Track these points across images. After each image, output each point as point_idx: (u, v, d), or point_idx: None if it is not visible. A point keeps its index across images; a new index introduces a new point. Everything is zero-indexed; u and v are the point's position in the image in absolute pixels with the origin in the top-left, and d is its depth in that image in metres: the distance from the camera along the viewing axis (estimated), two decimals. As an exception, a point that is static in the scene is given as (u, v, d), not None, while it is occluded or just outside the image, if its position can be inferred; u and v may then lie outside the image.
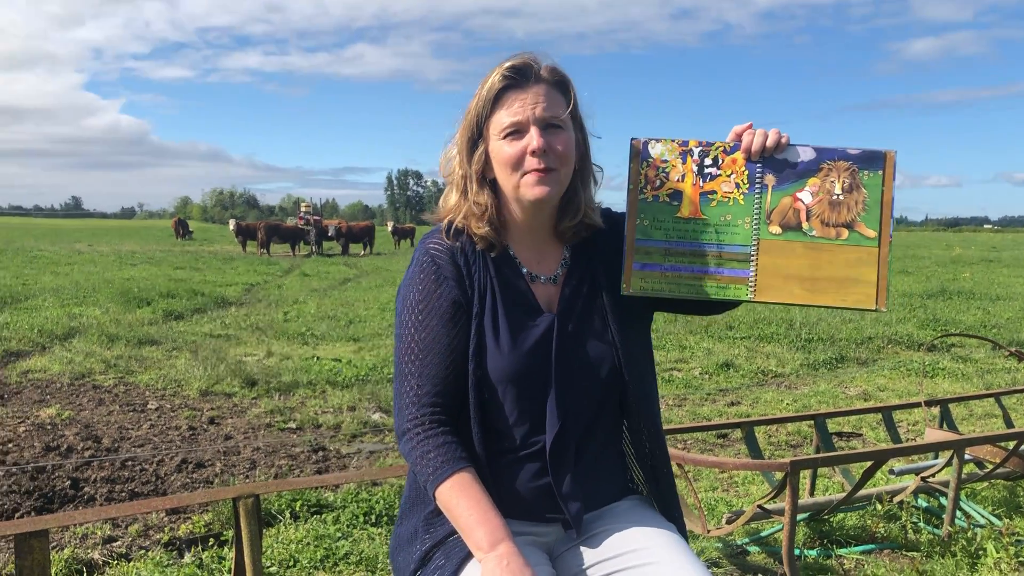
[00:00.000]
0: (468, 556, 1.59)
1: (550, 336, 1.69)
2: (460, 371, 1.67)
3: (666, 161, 1.72)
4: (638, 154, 1.73)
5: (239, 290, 16.71)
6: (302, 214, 37.67)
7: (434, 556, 1.66)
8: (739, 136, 1.71)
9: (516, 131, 1.66)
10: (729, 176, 1.71)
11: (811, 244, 1.69)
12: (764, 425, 5.88)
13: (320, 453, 5.40)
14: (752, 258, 1.70)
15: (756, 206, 1.70)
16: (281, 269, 24.16)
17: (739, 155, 1.70)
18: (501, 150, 1.67)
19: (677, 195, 1.72)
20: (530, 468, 1.69)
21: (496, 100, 1.67)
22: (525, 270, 1.76)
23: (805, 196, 1.69)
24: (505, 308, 1.70)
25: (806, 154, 1.69)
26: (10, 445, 5.35)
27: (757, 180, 1.70)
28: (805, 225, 1.69)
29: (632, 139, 1.74)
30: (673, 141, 1.72)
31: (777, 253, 1.70)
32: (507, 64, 1.67)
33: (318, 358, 8.78)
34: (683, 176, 1.72)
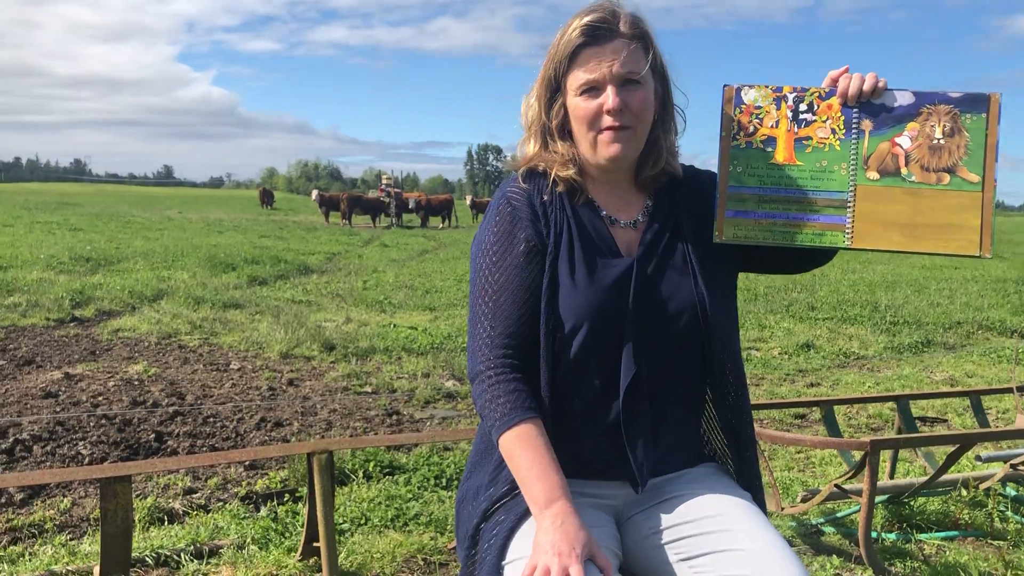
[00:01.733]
0: (526, 514, 1.57)
1: (628, 278, 1.64)
2: (534, 314, 1.64)
3: (760, 107, 1.68)
4: (731, 100, 1.69)
5: (321, 258, 17.03)
6: (383, 186, 38.14)
7: (496, 511, 1.65)
8: (835, 81, 1.66)
9: (593, 88, 1.63)
10: (824, 122, 1.66)
11: (910, 190, 1.63)
12: (844, 405, 5.76)
13: (394, 417, 5.48)
14: (849, 204, 1.66)
15: (853, 152, 1.65)
16: (361, 240, 24.52)
17: (835, 100, 1.65)
18: (577, 106, 1.65)
19: (771, 141, 1.68)
20: (601, 419, 1.65)
21: (573, 56, 1.64)
22: (604, 212, 1.73)
23: (904, 141, 1.63)
24: (583, 249, 1.66)
25: (904, 98, 1.63)
26: (100, 398, 5.57)
27: (854, 125, 1.65)
28: (904, 171, 1.63)
29: (724, 85, 1.70)
30: (767, 87, 1.68)
31: (875, 199, 1.64)
32: (586, 19, 1.63)
33: (395, 325, 8.90)
34: (777, 122, 1.68)
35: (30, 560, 3.15)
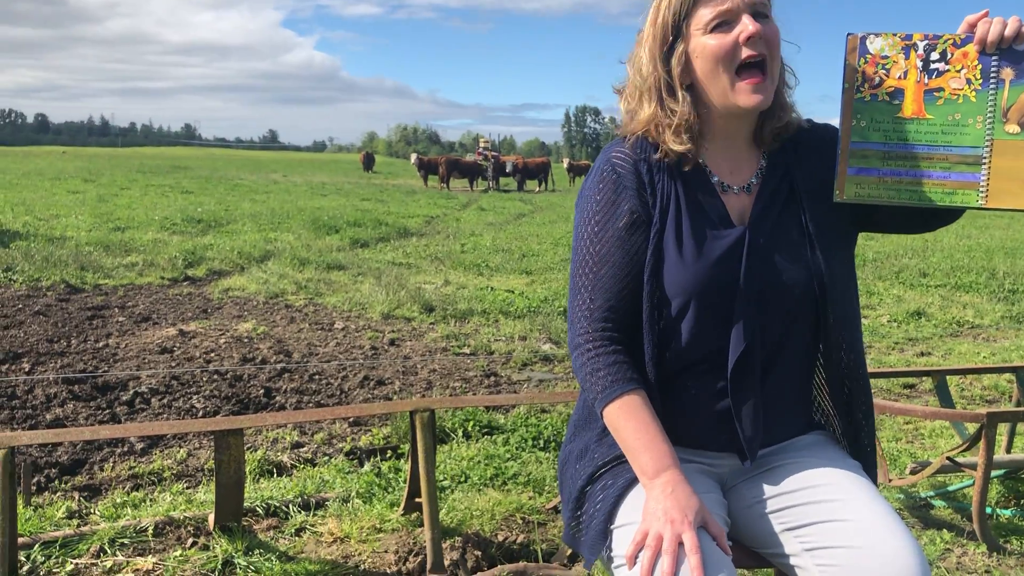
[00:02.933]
0: (635, 480, 1.55)
1: (740, 249, 1.56)
2: (637, 286, 1.59)
3: (886, 57, 1.55)
4: (855, 50, 1.57)
5: (420, 222, 17.25)
6: (480, 150, 38.26)
7: (603, 475, 1.62)
8: (972, 27, 1.51)
9: (724, 22, 1.53)
10: (959, 71, 1.52)
11: None
12: (957, 375, 5.53)
13: (492, 378, 5.54)
14: (984, 160, 1.52)
15: (990, 103, 1.51)
16: (459, 203, 24.71)
17: (971, 47, 1.51)
18: (707, 45, 1.54)
19: (898, 94, 1.56)
20: (708, 390, 1.60)
21: None
22: (716, 179, 1.64)
23: None
24: (691, 219, 1.58)
25: None
26: (212, 354, 5.80)
27: (992, 75, 1.51)
28: None
29: (848, 34, 1.58)
30: (895, 35, 1.55)
31: (1015, 155, 1.51)
32: None
33: (492, 288, 8.97)
34: (905, 73, 1.55)
35: (151, 506, 3.32)
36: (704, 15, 1.54)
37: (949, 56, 1.53)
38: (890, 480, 3.38)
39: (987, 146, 1.52)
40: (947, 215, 1.65)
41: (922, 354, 6.57)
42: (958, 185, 1.55)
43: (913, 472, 3.33)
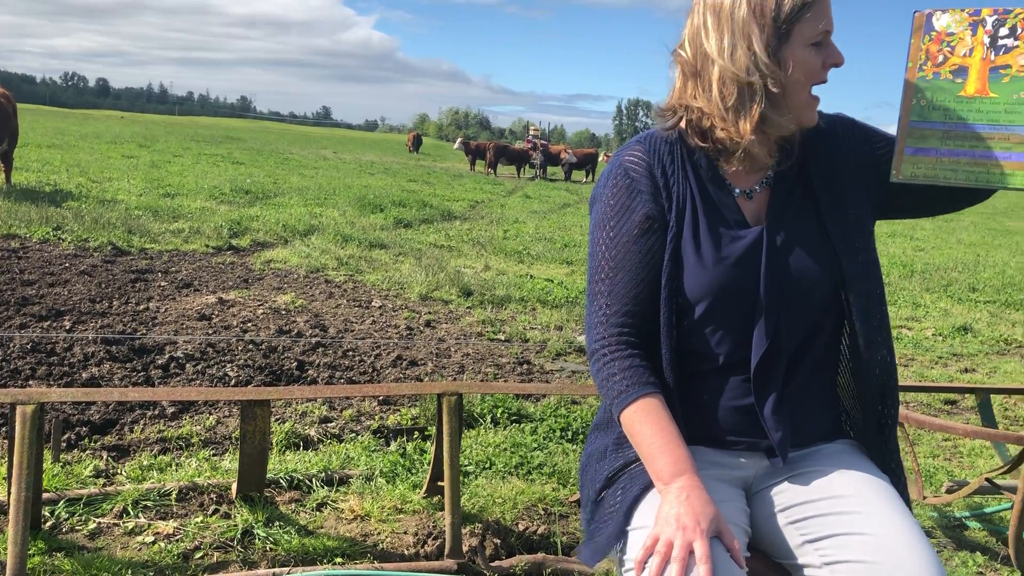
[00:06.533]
0: (651, 484, 1.52)
1: (758, 249, 1.53)
2: (654, 290, 1.56)
3: (952, 34, 1.50)
4: (920, 28, 1.52)
5: (464, 206, 17.25)
6: (530, 138, 38.15)
7: (620, 478, 1.60)
8: None
9: (820, 42, 1.49)
10: None
11: None
12: (1002, 395, 5.38)
13: (524, 366, 5.51)
14: None
15: None
16: (505, 189, 24.68)
17: None
18: (811, 60, 1.49)
19: (962, 71, 1.50)
20: (731, 389, 1.57)
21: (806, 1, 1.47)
22: (729, 180, 1.60)
23: None
24: (708, 221, 1.55)
25: None
26: (249, 324, 5.84)
27: None
28: None
29: (915, 12, 1.52)
30: (963, 11, 1.49)
31: None
32: None
33: (532, 276, 8.93)
34: (971, 50, 1.49)
35: (176, 470, 3.35)
36: (813, 27, 1.48)
37: (1019, 31, 1.46)
38: (924, 497, 3.29)
39: None
40: (978, 194, 1.60)
41: (966, 370, 6.40)
42: (1019, 166, 1.48)
43: (949, 491, 3.24)
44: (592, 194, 1.68)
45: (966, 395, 5.13)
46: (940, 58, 1.51)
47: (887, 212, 1.67)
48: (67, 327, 5.30)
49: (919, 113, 1.54)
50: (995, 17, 1.47)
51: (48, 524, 2.79)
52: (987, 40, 1.48)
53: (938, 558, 1.39)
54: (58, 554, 2.62)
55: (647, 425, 1.50)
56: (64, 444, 3.54)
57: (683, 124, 1.61)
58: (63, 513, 2.85)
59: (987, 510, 3.45)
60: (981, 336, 7.67)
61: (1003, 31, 1.47)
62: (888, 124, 1.63)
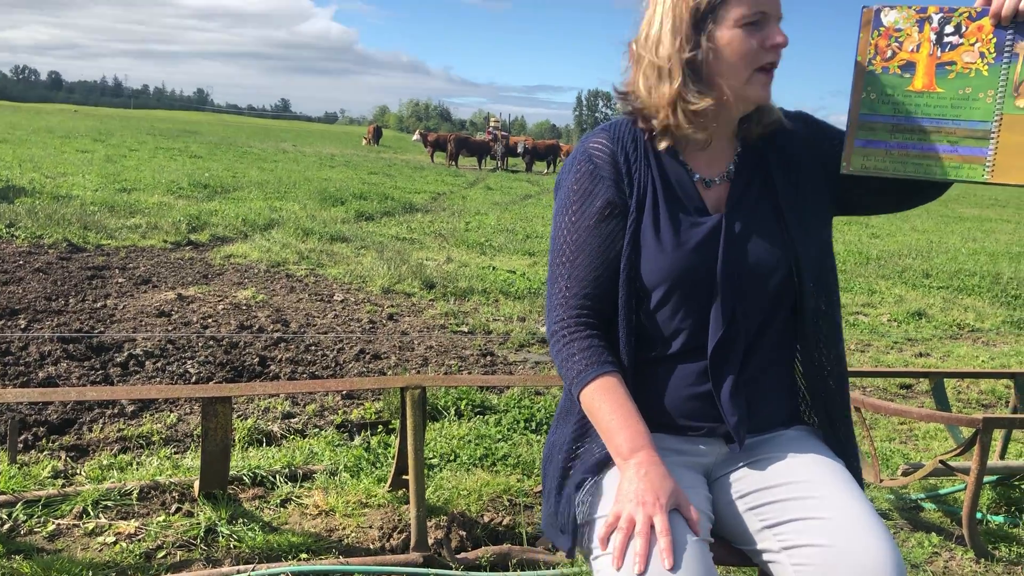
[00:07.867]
0: (608, 463, 1.55)
1: (717, 236, 1.56)
2: (613, 274, 1.59)
3: (900, 30, 1.54)
4: (868, 23, 1.56)
5: (426, 198, 17.20)
6: (491, 129, 38.08)
7: (577, 467, 1.62)
8: (988, 0, 1.48)
9: (755, 22, 1.51)
10: (973, 45, 1.50)
11: None
12: (955, 378, 5.50)
13: (488, 358, 5.52)
14: (993, 135, 1.51)
15: (1003, 77, 1.49)
16: (467, 181, 24.62)
17: (987, 21, 1.48)
18: (735, 40, 1.51)
19: (910, 67, 1.55)
20: (686, 375, 1.59)
21: None
22: (691, 167, 1.63)
23: None
24: (668, 208, 1.58)
25: None
26: (209, 320, 5.79)
27: (1007, 48, 1.48)
28: None
29: (863, 7, 1.56)
30: (910, 8, 1.53)
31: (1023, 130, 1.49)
32: None
33: (494, 268, 8.94)
34: (918, 46, 1.53)
35: (137, 469, 3.31)
36: (741, 9, 1.50)
37: (964, 29, 1.50)
38: (881, 480, 3.36)
39: (996, 120, 1.51)
40: (931, 190, 1.65)
41: (921, 355, 6.54)
42: (964, 159, 1.53)
43: (905, 474, 3.30)
44: (556, 179, 1.71)
45: (921, 379, 5.23)
46: (888, 53, 1.55)
47: (844, 207, 1.70)
48: (22, 326, 5.21)
49: (869, 106, 1.58)
50: (941, 15, 1.51)
51: (6, 527, 2.75)
52: (933, 37, 1.52)
53: (893, 539, 1.43)
54: (16, 557, 2.58)
55: (605, 403, 1.52)
56: (21, 445, 3.48)
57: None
58: (21, 515, 2.81)
59: (942, 492, 3.54)
60: (935, 321, 7.82)
61: (948, 28, 1.51)
62: (843, 113, 1.67)
